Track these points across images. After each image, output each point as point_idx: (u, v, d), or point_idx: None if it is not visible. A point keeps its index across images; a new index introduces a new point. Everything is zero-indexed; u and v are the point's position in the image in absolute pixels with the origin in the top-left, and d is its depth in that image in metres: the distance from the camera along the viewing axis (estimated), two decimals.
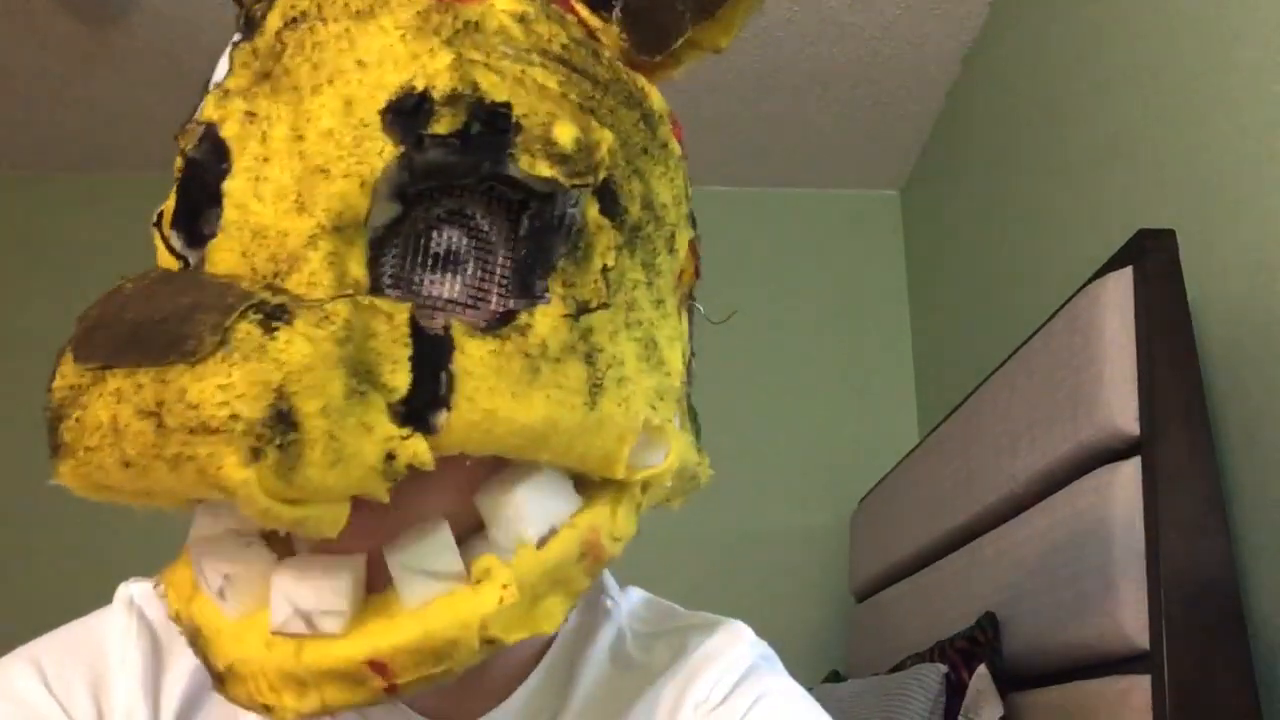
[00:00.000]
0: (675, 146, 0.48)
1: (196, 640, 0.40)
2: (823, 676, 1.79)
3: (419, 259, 0.40)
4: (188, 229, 0.43)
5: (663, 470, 0.45)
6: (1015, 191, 1.75)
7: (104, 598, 0.52)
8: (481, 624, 0.38)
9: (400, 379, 0.36)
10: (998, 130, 1.83)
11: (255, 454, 0.32)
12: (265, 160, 0.38)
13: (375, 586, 0.39)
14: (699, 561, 2.02)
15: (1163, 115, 1.25)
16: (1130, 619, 0.92)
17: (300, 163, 0.38)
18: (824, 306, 2.29)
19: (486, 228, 0.41)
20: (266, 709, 0.37)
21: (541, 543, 0.41)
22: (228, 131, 0.39)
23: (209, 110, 0.41)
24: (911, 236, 2.33)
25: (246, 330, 0.33)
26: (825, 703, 0.53)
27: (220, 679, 0.38)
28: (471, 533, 0.41)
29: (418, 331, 0.37)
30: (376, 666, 0.37)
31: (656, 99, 0.46)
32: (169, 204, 0.43)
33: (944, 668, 1.15)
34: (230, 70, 0.41)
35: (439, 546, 0.39)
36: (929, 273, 2.22)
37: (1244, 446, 1.03)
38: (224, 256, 0.37)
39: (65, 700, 0.47)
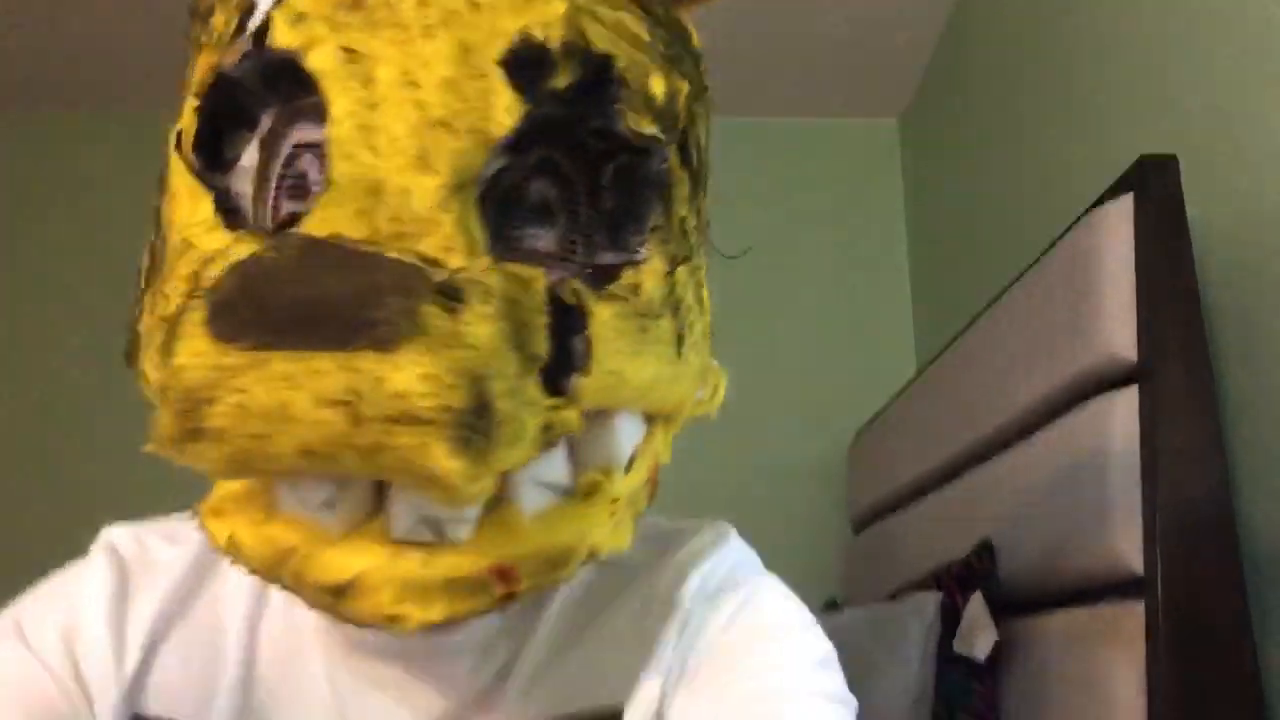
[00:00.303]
0: (709, 85, 0.47)
1: (285, 563, 0.38)
2: (820, 605, 1.82)
3: (516, 211, 0.39)
4: (210, 152, 0.41)
5: (714, 405, 0.47)
6: (1015, 120, 1.72)
7: None
8: (596, 534, 0.40)
9: (543, 346, 0.35)
10: (997, 58, 1.80)
11: (463, 443, 0.32)
12: (373, 107, 0.35)
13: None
14: (696, 492, 2.03)
15: (1165, 40, 1.22)
16: (1126, 545, 0.93)
17: (417, 113, 0.35)
18: (821, 236, 2.27)
19: (573, 177, 0.40)
20: (391, 620, 0.36)
21: (628, 467, 0.43)
22: (317, 64, 0.36)
23: (282, 35, 0.37)
24: (910, 165, 2.30)
25: (434, 314, 0.32)
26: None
27: (335, 594, 0.37)
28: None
29: (552, 297, 0.36)
30: (502, 573, 0.37)
31: (695, 37, 0.46)
32: (187, 124, 0.40)
33: (940, 595, 1.16)
34: None
35: (557, 460, 0.40)
36: (927, 202, 2.20)
37: (1243, 374, 1.03)
38: (338, 214, 0.34)
39: (41, 653, 0.47)
